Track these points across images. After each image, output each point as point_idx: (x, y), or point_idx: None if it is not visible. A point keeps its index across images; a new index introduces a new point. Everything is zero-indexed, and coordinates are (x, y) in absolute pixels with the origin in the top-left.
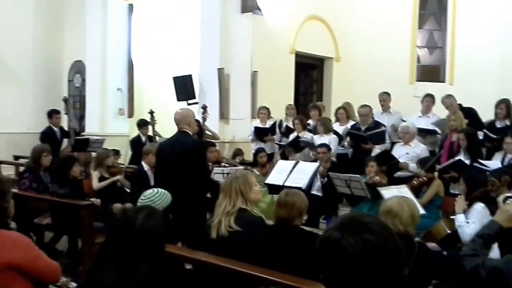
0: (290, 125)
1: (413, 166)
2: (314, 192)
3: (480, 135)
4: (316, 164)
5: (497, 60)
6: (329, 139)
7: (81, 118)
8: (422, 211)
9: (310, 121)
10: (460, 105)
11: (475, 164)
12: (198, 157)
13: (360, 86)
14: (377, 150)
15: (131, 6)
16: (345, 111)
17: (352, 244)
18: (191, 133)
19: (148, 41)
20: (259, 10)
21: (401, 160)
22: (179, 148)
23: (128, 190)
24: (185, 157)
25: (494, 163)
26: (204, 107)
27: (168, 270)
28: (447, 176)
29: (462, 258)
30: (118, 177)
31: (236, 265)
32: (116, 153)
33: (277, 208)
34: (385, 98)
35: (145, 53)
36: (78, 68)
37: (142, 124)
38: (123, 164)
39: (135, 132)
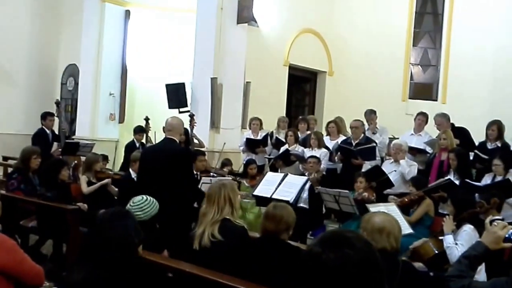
0: (281, 137)
1: (401, 183)
2: (300, 204)
3: (471, 155)
4: (305, 178)
5: (490, 81)
6: (320, 153)
7: (72, 121)
8: (410, 230)
9: (298, 134)
10: (452, 124)
11: (467, 180)
12: (185, 165)
13: (352, 101)
14: (367, 166)
15: (128, 12)
16: (336, 125)
17: (332, 259)
18: (178, 141)
19: (143, 47)
20: (255, 21)
21: (390, 177)
22: (165, 155)
23: (115, 197)
24: (171, 164)
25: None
26: (192, 116)
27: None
28: (436, 195)
29: (448, 279)
30: (107, 180)
31: (218, 277)
32: (105, 158)
33: (265, 221)
34: (372, 117)
35: (140, 60)
36: (72, 72)
37: (138, 130)
38: (111, 170)
39: (124, 137)
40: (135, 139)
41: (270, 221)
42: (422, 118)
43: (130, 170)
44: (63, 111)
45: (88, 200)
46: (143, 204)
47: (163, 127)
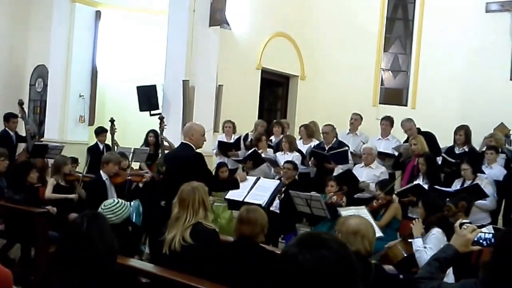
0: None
1: (372, 186)
2: (272, 209)
3: (439, 160)
4: (277, 182)
5: (459, 86)
6: (293, 157)
7: (41, 123)
8: (380, 233)
9: (272, 138)
10: (418, 129)
11: (436, 186)
12: (199, 167)
13: (324, 106)
14: (339, 170)
15: (98, 13)
16: (305, 129)
17: (309, 260)
18: (192, 145)
19: (114, 49)
20: (227, 24)
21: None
22: (179, 160)
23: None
24: (185, 168)
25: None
26: (161, 118)
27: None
28: (405, 199)
29: (418, 281)
30: (73, 196)
31: (190, 280)
32: (74, 161)
33: (240, 225)
34: (356, 118)
35: (110, 61)
36: (41, 73)
37: (99, 131)
38: (80, 173)
39: (94, 140)
40: (98, 141)
41: (246, 225)
42: (385, 122)
43: (101, 172)
44: (31, 113)
45: (57, 204)
46: (114, 207)
47: None
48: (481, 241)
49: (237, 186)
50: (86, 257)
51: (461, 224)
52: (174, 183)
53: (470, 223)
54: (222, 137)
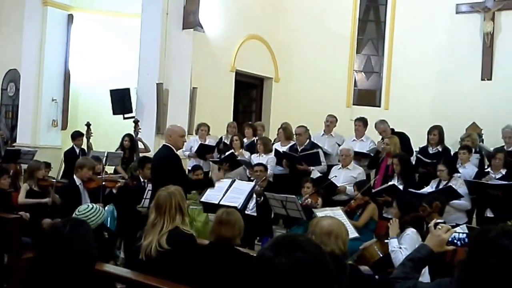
0: (229, 142)
1: (350, 189)
2: (248, 212)
3: (412, 160)
4: (252, 184)
5: (432, 87)
6: (268, 159)
7: (13, 128)
8: (355, 234)
9: (244, 140)
10: (392, 129)
11: (410, 189)
12: (173, 167)
13: (298, 107)
14: (316, 172)
15: (71, 17)
16: (283, 131)
17: (284, 263)
18: (172, 145)
19: (87, 52)
20: (201, 27)
21: (339, 183)
22: (159, 160)
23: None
24: (162, 168)
25: (428, 190)
26: (136, 121)
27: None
28: (380, 200)
29: (394, 281)
30: (46, 200)
31: (166, 285)
32: (48, 165)
33: (219, 227)
34: (332, 120)
35: (83, 65)
36: (13, 77)
37: (76, 135)
38: (54, 178)
39: (67, 144)
40: (74, 145)
41: (225, 227)
42: (359, 123)
43: (75, 177)
44: (3, 118)
45: (30, 209)
46: (89, 213)
47: None
48: (455, 241)
49: (211, 186)
50: (66, 262)
51: (436, 224)
52: (156, 185)
53: (444, 222)
54: (196, 139)
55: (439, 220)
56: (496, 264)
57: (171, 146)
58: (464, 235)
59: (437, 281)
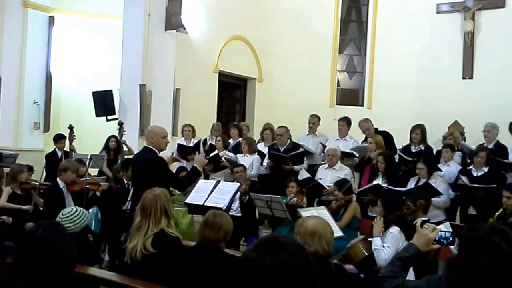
0: (214, 143)
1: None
2: (232, 213)
3: (396, 158)
4: (237, 185)
5: (414, 86)
6: (252, 159)
7: None
8: (340, 233)
9: (230, 140)
10: (376, 129)
11: (389, 186)
12: (160, 171)
13: (282, 107)
14: (303, 171)
15: (52, 18)
16: (271, 132)
17: (267, 264)
18: (154, 148)
19: (68, 54)
20: (183, 28)
21: (326, 184)
22: (141, 164)
23: (41, 208)
24: (146, 172)
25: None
26: (120, 124)
27: None
28: (365, 198)
29: (382, 280)
30: (27, 207)
31: (148, 286)
32: (30, 169)
33: (203, 229)
34: (315, 121)
35: (65, 67)
36: None
37: (58, 138)
38: (36, 181)
39: (50, 147)
40: (56, 148)
41: (209, 229)
42: (342, 123)
43: (58, 179)
44: None
45: (12, 213)
46: (73, 216)
47: None
48: (442, 240)
49: (198, 174)
50: (42, 266)
51: (422, 223)
52: (138, 188)
53: (428, 220)
54: (181, 140)
55: (423, 218)
56: (487, 261)
57: (154, 149)
58: (449, 234)
59: (426, 278)
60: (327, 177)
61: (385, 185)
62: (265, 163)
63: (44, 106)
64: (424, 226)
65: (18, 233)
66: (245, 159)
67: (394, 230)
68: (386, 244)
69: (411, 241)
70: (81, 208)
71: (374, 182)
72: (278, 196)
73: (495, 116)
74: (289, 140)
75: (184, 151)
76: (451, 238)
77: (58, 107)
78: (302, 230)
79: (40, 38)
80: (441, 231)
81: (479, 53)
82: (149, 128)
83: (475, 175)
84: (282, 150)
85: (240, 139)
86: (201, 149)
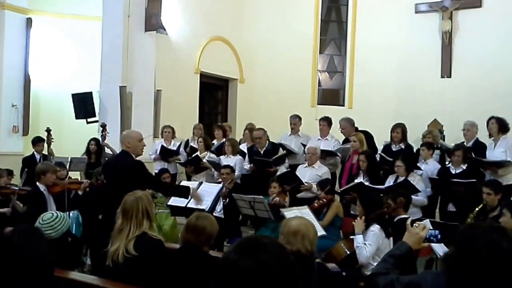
0: (196, 145)
1: (315, 187)
2: (216, 214)
3: (377, 158)
4: (220, 186)
5: (394, 85)
6: (236, 160)
7: None
8: (322, 232)
9: (214, 141)
10: (356, 128)
11: (368, 185)
12: (138, 175)
13: (264, 108)
14: (281, 167)
15: (29, 20)
16: (249, 132)
17: (249, 265)
18: (131, 152)
19: (47, 56)
20: (163, 29)
21: (304, 181)
22: (116, 168)
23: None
24: (125, 176)
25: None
26: (103, 126)
27: None
28: (347, 197)
29: (375, 276)
30: (5, 210)
31: None
32: (10, 173)
33: (185, 232)
34: (296, 122)
35: (44, 69)
36: None
37: (36, 141)
38: (16, 185)
39: (29, 150)
40: (35, 151)
41: (191, 233)
42: (323, 123)
43: (38, 183)
44: None
45: None
46: (53, 222)
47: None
48: (431, 238)
49: (187, 195)
50: (19, 270)
51: (412, 222)
52: (113, 193)
53: (408, 217)
54: (161, 142)
55: (402, 216)
56: (487, 258)
57: (130, 153)
58: (437, 231)
59: (422, 273)
60: (305, 175)
61: (367, 183)
62: (246, 165)
63: (22, 109)
64: (414, 224)
65: None
66: (228, 160)
67: (375, 228)
68: (368, 242)
69: (402, 240)
70: (61, 213)
71: (357, 181)
72: (261, 197)
73: (473, 114)
74: (267, 142)
75: (166, 153)
76: (439, 236)
77: (37, 110)
78: (286, 230)
79: (18, 40)
80: (430, 229)
81: (457, 52)
82: (125, 133)
83: (453, 172)
84: (262, 152)
85: (224, 139)
86: (181, 150)
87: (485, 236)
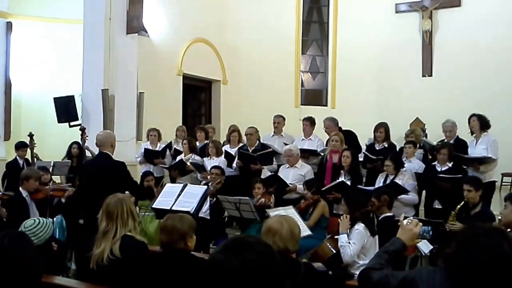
0: (180, 147)
1: (300, 187)
2: (202, 215)
3: (360, 157)
4: (205, 188)
5: (375, 85)
6: (219, 162)
7: None
8: (308, 232)
9: (197, 143)
10: (340, 128)
11: (358, 186)
12: (124, 175)
13: (247, 109)
14: (266, 171)
15: (9, 24)
16: (238, 134)
17: (235, 265)
18: (111, 154)
19: (28, 60)
20: (145, 31)
21: (288, 182)
22: (100, 169)
23: (4, 219)
24: (108, 177)
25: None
26: (83, 129)
27: None
28: (330, 197)
29: (369, 270)
30: None
31: None
32: None
33: (160, 234)
34: (279, 121)
35: (25, 73)
36: None
37: (20, 146)
38: None
39: (11, 155)
40: (17, 156)
41: (163, 233)
42: (305, 123)
43: (21, 189)
44: None
45: None
46: (35, 229)
47: (96, 143)
48: (424, 234)
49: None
50: (8, 276)
51: (405, 219)
52: (95, 196)
53: (393, 216)
54: (147, 145)
55: (387, 214)
56: (488, 259)
57: (110, 155)
58: (429, 227)
59: (417, 269)
60: (288, 175)
61: (349, 182)
62: (235, 164)
63: (3, 113)
64: (407, 221)
65: None
66: (212, 162)
67: (360, 226)
68: (352, 241)
69: (396, 236)
70: (44, 219)
71: (339, 180)
72: (247, 198)
73: (454, 111)
74: (257, 141)
75: (150, 156)
76: (431, 232)
77: (19, 114)
78: (262, 229)
79: None
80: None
81: (437, 51)
82: (108, 134)
83: (439, 170)
84: (250, 151)
85: (207, 141)
86: (168, 153)
87: (486, 238)
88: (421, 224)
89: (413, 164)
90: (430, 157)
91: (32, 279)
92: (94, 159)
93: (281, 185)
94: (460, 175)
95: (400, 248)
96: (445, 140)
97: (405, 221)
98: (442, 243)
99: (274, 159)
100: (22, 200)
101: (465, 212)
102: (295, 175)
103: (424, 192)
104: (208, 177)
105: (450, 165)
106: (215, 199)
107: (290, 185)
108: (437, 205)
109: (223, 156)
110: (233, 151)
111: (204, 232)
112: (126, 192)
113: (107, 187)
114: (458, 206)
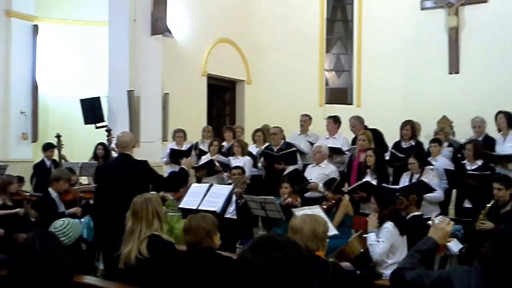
0: (205, 147)
1: (321, 186)
2: (228, 216)
3: (387, 156)
4: (230, 187)
5: (401, 83)
6: (244, 161)
7: None
8: (335, 231)
9: (224, 143)
10: (365, 126)
11: (383, 185)
12: (149, 173)
13: (271, 108)
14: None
15: (36, 27)
16: (263, 134)
17: (263, 263)
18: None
19: (54, 62)
20: (170, 32)
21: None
22: (124, 170)
23: (33, 219)
24: (133, 178)
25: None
26: (109, 130)
27: None
28: (356, 196)
29: (402, 270)
30: (18, 210)
31: None
32: (20, 180)
33: (185, 235)
34: (305, 119)
35: (52, 75)
36: None
37: (47, 147)
38: (27, 192)
39: (39, 157)
40: (45, 157)
41: (189, 234)
42: (329, 121)
43: (50, 189)
44: None
45: (4, 224)
46: (65, 229)
47: (116, 144)
48: (456, 232)
49: (186, 174)
50: (40, 277)
51: (436, 217)
52: (116, 196)
53: (421, 215)
54: (172, 145)
55: (416, 213)
56: None
57: (132, 155)
58: (461, 226)
59: (451, 268)
60: (312, 174)
61: (375, 181)
62: (259, 164)
63: (31, 115)
64: (439, 220)
65: (10, 245)
66: (237, 161)
67: (389, 225)
68: (381, 239)
69: (428, 235)
70: (73, 220)
71: (363, 180)
72: (272, 197)
73: (482, 109)
74: (282, 140)
75: (176, 156)
76: (462, 231)
77: (46, 116)
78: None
79: (25, 47)
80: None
81: (464, 48)
82: (131, 136)
83: (468, 168)
84: (275, 150)
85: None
86: (193, 153)
87: None
88: (453, 222)
89: (439, 162)
90: (459, 155)
91: (63, 279)
92: (117, 160)
93: (301, 180)
94: (489, 172)
95: (433, 247)
96: (473, 137)
97: (436, 220)
98: (472, 243)
99: (299, 158)
100: (52, 200)
101: (495, 211)
102: (318, 174)
103: (454, 191)
104: (233, 177)
105: (479, 163)
106: (243, 200)
107: (312, 183)
108: (467, 204)
109: (248, 155)
110: (257, 151)
111: (231, 232)
112: (153, 191)
113: (131, 187)
114: (488, 205)
